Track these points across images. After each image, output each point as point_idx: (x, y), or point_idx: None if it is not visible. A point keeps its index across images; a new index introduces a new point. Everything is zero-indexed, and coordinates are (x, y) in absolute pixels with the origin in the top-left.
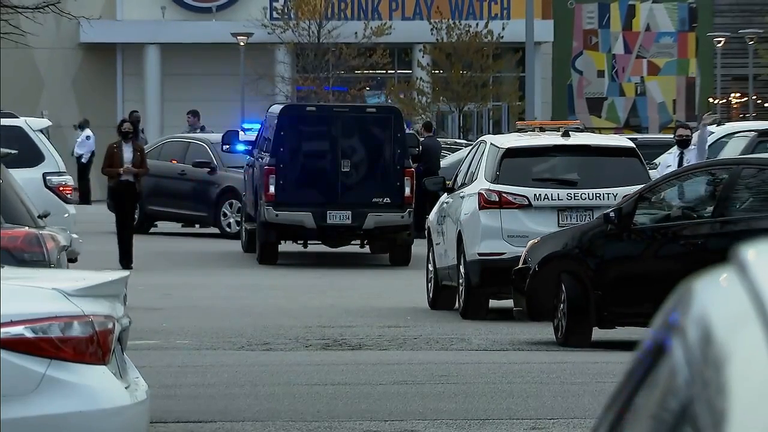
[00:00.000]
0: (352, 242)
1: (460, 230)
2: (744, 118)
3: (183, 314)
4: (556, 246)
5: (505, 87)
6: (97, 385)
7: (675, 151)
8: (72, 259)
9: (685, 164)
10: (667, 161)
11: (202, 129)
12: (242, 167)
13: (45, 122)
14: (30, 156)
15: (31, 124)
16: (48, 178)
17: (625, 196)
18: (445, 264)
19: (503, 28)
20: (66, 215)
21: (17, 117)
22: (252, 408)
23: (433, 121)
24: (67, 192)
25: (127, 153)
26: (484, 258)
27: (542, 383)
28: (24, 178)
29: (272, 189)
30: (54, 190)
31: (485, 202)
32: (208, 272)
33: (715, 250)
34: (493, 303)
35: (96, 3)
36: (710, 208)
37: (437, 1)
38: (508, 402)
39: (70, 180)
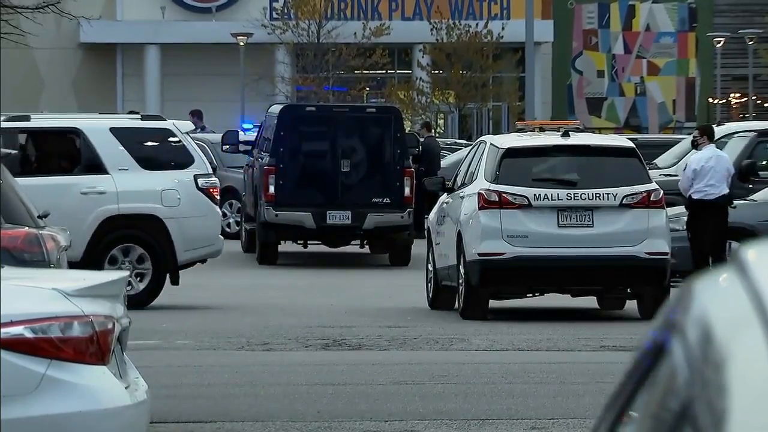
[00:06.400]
0: (352, 242)
1: (459, 230)
2: (744, 118)
3: (183, 314)
4: None
5: (505, 87)
6: (97, 385)
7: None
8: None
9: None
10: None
11: (203, 129)
12: (242, 167)
13: (189, 125)
14: (181, 158)
15: (179, 127)
16: (199, 180)
17: None
18: (444, 264)
19: (503, 28)
20: (214, 216)
21: (164, 120)
22: (252, 408)
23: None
24: (216, 193)
25: None
26: (484, 258)
27: (542, 383)
28: (176, 180)
29: (272, 189)
30: (205, 191)
31: (485, 202)
32: (208, 272)
33: None
34: (493, 303)
35: (96, 3)
36: None
37: (437, 1)
38: (508, 402)
39: (217, 182)
